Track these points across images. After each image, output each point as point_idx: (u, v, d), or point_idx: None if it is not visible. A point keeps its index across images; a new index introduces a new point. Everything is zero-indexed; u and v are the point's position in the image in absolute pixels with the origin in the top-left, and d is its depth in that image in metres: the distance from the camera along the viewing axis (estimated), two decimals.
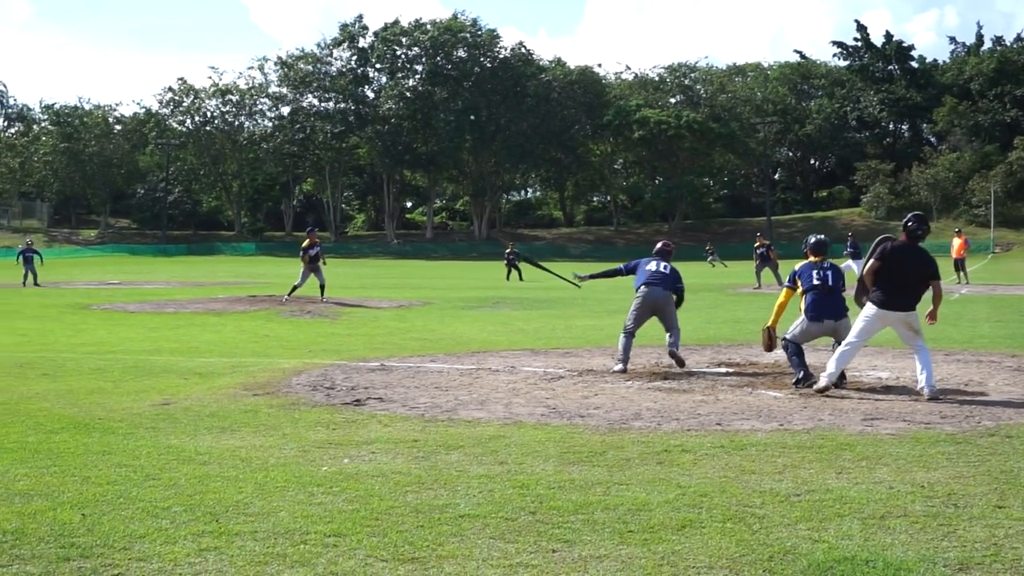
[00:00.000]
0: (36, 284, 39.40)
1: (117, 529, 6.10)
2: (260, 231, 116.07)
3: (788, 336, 12.18)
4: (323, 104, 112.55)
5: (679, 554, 5.62)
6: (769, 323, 12.78)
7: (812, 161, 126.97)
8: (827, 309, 12.10)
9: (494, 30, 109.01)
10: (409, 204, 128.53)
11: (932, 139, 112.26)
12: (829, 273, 12.25)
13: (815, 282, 12.16)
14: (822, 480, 7.33)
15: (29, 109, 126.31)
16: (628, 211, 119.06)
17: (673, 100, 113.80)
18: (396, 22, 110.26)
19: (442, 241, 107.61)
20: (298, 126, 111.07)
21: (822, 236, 13.13)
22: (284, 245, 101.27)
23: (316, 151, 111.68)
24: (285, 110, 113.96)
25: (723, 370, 13.42)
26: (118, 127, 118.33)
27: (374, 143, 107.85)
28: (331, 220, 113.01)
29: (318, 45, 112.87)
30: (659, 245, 15.30)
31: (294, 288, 28.11)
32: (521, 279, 44.78)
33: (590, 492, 6.97)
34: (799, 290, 12.32)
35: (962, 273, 39.64)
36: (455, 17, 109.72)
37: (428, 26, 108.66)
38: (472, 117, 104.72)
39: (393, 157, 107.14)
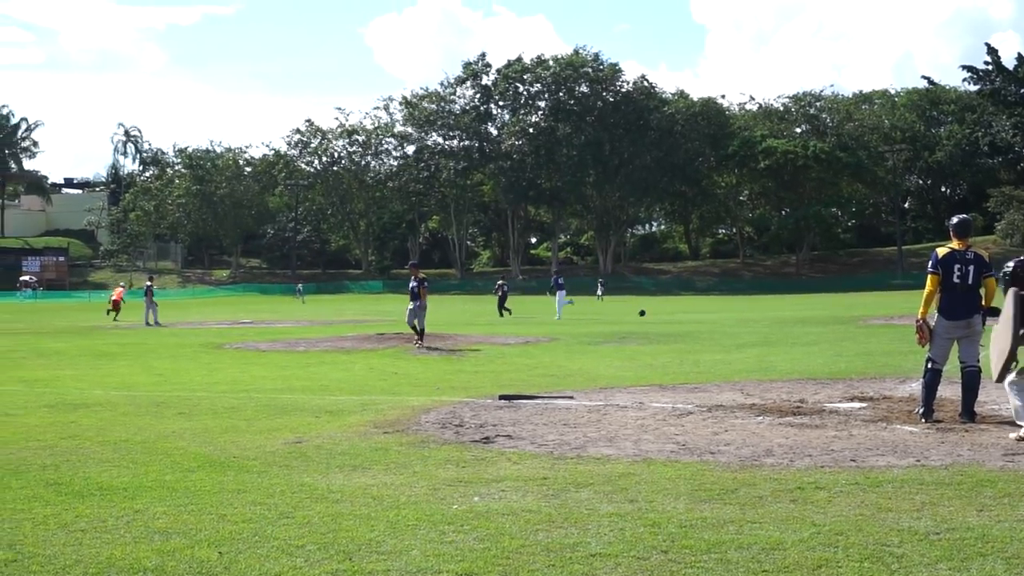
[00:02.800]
0: (157, 323, 40.41)
1: (253, 567, 6.18)
2: (387, 269, 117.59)
3: (929, 353, 11.81)
4: (447, 142, 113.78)
5: None
6: (920, 314, 12.09)
7: (943, 188, 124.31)
8: (964, 308, 11.70)
9: (616, 64, 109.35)
10: (533, 240, 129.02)
11: None
12: (971, 269, 11.69)
13: (954, 280, 11.68)
14: (962, 518, 7.12)
15: (163, 153, 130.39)
16: (754, 243, 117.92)
17: (798, 130, 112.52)
18: (519, 59, 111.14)
19: (567, 276, 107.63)
20: (423, 164, 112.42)
21: (966, 216, 12.68)
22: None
23: (441, 188, 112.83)
24: (410, 149, 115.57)
25: (856, 404, 13.15)
26: (248, 169, 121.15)
27: (498, 179, 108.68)
28: (457, 257, 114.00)
29: (442, 84, 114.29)
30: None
31: (413, 328, 26.27)
32: (501, 315, 46.27)
33: (722, 531, 6.87)
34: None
35: None
36: (576, 52, 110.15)
37: (550, 62, 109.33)
38: (595, 151, 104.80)
39: (517, 193, 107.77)
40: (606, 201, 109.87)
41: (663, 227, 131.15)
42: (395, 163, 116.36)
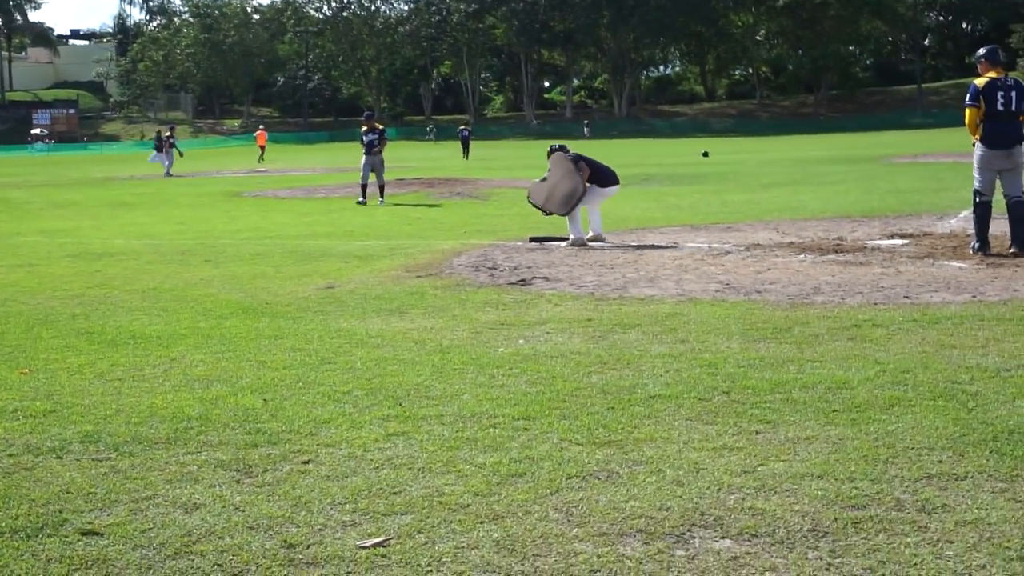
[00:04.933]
0: (169, 175, 39.83)
1: (300, 415, 5.95)
2: (400, 115, 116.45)
3: (976, 185, 11.61)
4: None
5: (894, 434, 5.22)
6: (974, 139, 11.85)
7: (964, 25, 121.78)
8: (1007, 136, 11.50)
9: None
10: (547, 84, 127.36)
11: None
12: (1014, 95, 11.45)
13: (999, 107, 11.42)
14: None
15: (169, 2, 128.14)
16: (771, 83, 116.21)
17: None
18: None
19: (580, 121, 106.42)
20: (434, 8, 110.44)
21: (994, 44, 12.44)
22: (424, 129, 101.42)
23: (452, 33, 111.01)
24: None
25: (898, 242, 12.81)
26: (256, 17, 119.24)
27: (510, 22, 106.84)
28: (470, 102, 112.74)
29: None
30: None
31: (363, 188, 23.57)
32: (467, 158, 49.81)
33: (782, 370, 6.61)
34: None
35: None
36: None
37: None
38: None
39: (530, 35, 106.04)
40: (621, 43, 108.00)
41: (678, 69, 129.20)
42: (406, 7, 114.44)
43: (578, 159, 14.17)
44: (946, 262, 10.95)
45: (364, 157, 23.76)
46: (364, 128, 24.28)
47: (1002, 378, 6.26)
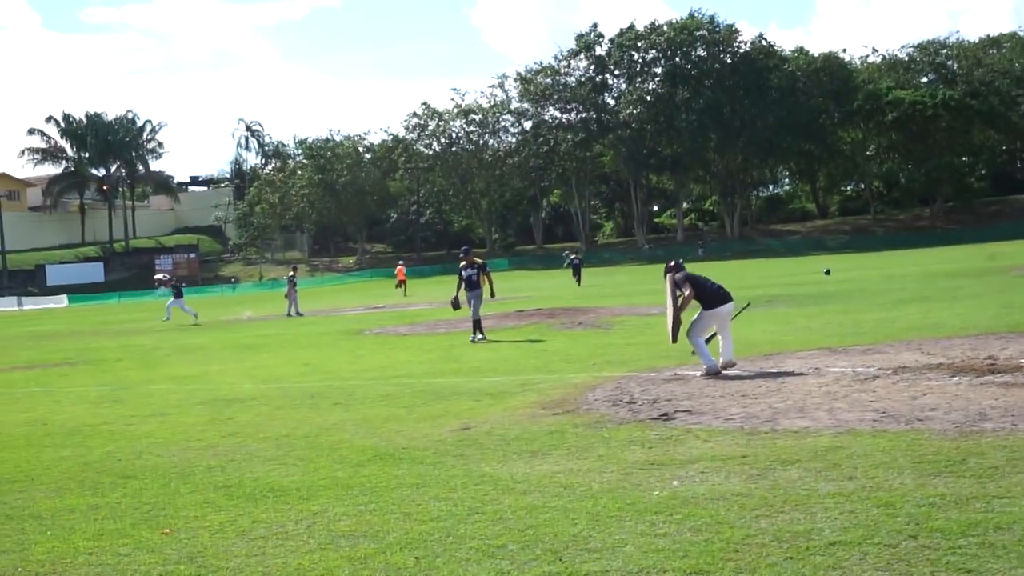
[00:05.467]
0: (299, 313, 40.16)
1: (456, 572, 5.62)
2: (512, 246, 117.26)
3: None
4: (564, 115, 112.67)
5: None
6: None
7: None
8: None
9: (732, 25, 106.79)
10: (655, 208, 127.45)
11: None
12: None
13: None
14: None
15: (284, 145, 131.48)
16: (884, 198, 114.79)
17: (924, 80, 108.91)
18: (631, 26, 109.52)
19: (693, 243, 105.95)
20: (541, 139, 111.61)
21: None
22: (536, 258, 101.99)
23: (561, 162, 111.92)
24: (527, 124, 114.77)
25: None
26: (368, 155, 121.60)
27: (617, 149, 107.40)
28: (580, 230, 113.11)
29: (555, 57, 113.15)
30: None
31: (475, 324, 22.44)
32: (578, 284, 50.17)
33: (969, 509, 6.11)
34: None
35: None
36: (691, 16, 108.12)
37: (664, 27, 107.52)
38: (715, 115, 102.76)
39: (637, 161, 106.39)
40: (729, 164, 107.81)
41: (788, 187, 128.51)
42: (513, 140, 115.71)
43: (685, 279, 13.67)
44: None
45: (467, 293, 22.99)
46: (463, 263, 23.49)
47: None
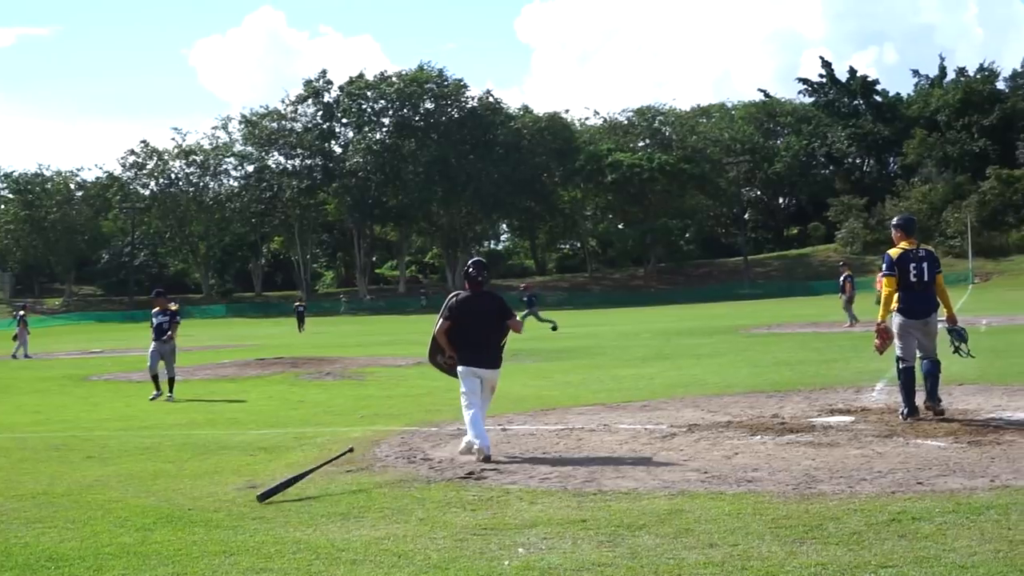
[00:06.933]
0: (27, 356, 37.63)
1: None
2: (229, 292, 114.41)
3: (898, 352, 11.76)
4: (289, 161, 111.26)
5: None
6: (880, 318, 11.99)
7: (780, 200, 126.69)
8: (922, 307, 11.75)
9: (461, 79, 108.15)
10: (375, 259, 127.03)
11: (899, 172, 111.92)
12: (925, 267, 11.75)
13: (911, 279, 11.70)
14: None
15: None
16: (600, 257, 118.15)
17: (642, 144, 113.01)
18: (361, 75, 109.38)
19: (415, 295, 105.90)
20: (264, 184, 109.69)
21: (910, 215, 13.11)
22: (255, 306, 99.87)
23: (284, 209, 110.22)
24: (251, 168, 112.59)
25: (844, 419, 12.13)
26: (80, 193, 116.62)
27: (343, 198, 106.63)
28: (302, 277, 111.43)
29: (282, 101, 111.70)
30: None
31: (154, 379, 19.59)
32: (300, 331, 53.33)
33: None
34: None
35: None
36: (421, 68, 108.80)
37: (394, 78, 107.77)
38: (442, 168, 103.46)
39: (362, 211, 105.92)
40: (453, 218, 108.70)
41: (508, 243, 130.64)
42: (235, 184, 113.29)
43: (447, 304, 11.73)
44: (918, 440, 10.29)
45: (152, 344, 19.78)
46: (155, 309, 20.18)
47: None
